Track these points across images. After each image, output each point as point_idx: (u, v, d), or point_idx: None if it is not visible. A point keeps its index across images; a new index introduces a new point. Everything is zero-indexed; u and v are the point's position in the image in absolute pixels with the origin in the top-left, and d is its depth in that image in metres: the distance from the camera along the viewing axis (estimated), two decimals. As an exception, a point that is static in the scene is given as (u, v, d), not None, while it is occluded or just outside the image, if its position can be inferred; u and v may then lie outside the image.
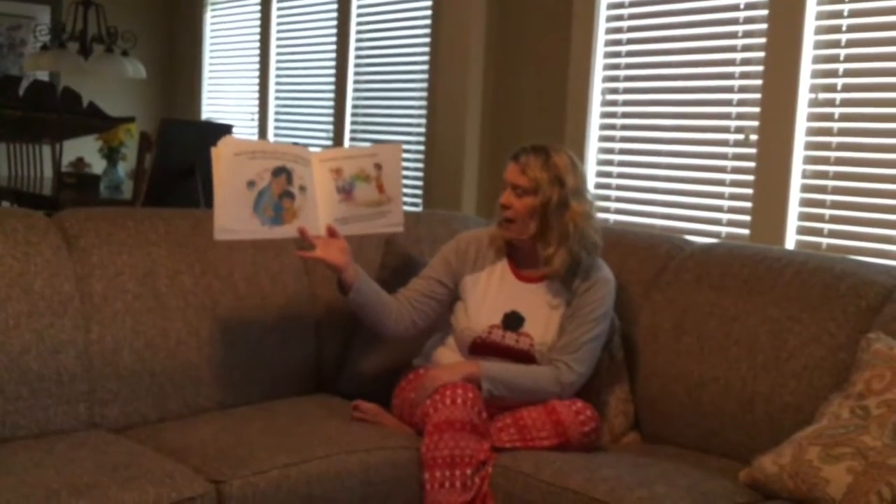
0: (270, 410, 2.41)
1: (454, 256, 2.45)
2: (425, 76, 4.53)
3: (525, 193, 2.32)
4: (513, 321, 2.36)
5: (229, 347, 2.46)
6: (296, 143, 5.15)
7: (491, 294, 2.39)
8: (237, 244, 2.45)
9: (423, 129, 4.55)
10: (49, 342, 2.20)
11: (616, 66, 3.68)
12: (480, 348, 2.37)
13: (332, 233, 2.30)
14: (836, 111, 2.98)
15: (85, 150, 5.35)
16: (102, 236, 2.38)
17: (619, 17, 3.66)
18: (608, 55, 3.69)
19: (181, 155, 3.96)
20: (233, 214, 2.19)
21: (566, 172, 2.33)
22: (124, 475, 1.93)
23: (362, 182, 2.33)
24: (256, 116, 5.86)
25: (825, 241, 2.99)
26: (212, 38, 6.47)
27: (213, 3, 6.42)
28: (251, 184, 2.19)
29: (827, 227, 2.99)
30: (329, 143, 5.22)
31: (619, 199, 3.66)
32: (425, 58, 4.53)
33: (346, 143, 5.09)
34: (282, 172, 2.23)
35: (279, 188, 2.23)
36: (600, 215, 3.63)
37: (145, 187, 3.88)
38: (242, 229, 2.21)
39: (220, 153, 2.19)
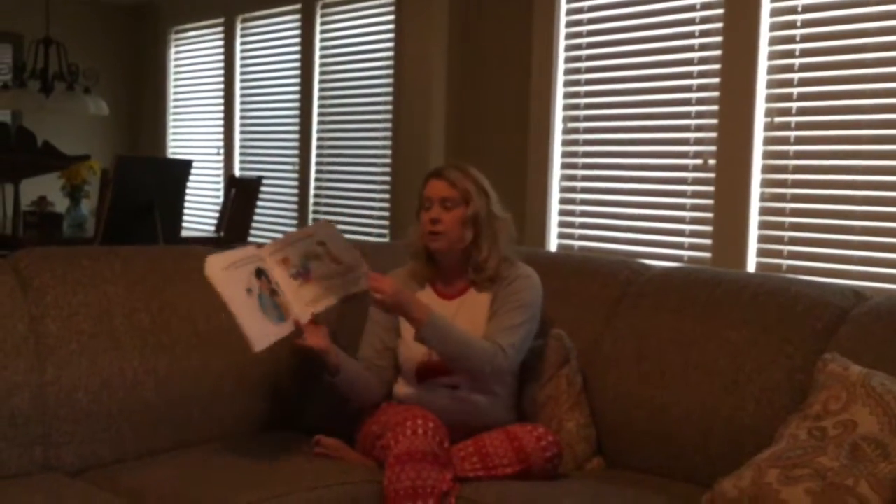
0: (230, 448, 2.37)
1: None
2: (389, 105, 4.55)
3: (455, 205, 2.39)
4: None
5: (188, 386, 2.42)
6: (261, 177, 5.15)
7: None
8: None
9: (388, 160, 4.57)
10: (3, 384, 2.16)
11: (576, 95, 3.71)
12: (425, 373, 2.39)
13: (312, 320, 2.30)
14: (792, 134, 3.03)
15: (48, 188, 5.30)
16: (57, 276, 2.35)
17: (578, 47, 3.70)
18: (568, 84, 3.73)
19: (139, 192, 3.94)
20: (255, 323, 2.19)
21: (486, 184, 2.44)
22: (78, 520, 1.89)
23: (314, 260, 2.32)
24: (222, 151, 5.85)
25: (785, 262, 3.01)
26: (175, 74, 6.46)
27: (177, 40, 6.42)
28: (249, 291, 2.22)
29: (786, 248, 3.02)
30: (295, 175, 5.21)
31: (582, 226, 3.68)
32: (389, 88, 4.56)
33: (312, 174, 5.09)
34: (261, 274, 2.25)
35: (266, 288, 2.25)
36: (565, 242, 3.69)
37: (103, 225, 3.84)
38: (269, 333, 2.21)
39: (212, 274, 2.20)
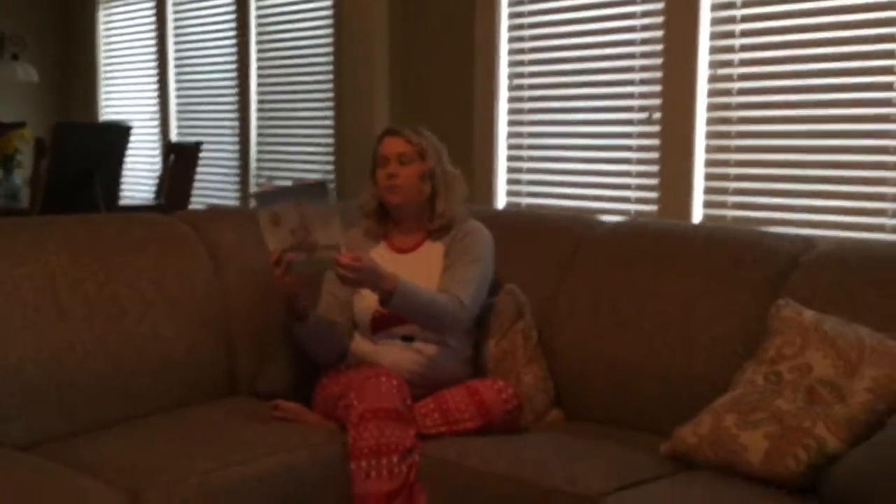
0: (186, 417, 2.34)
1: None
2: (331, 66, 4.48)
3: (411, 160, 2.45)
4: None
5: (139, 355, 2.38)
6: (200, 143, 5.04)
7: None
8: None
9: (331, 122, 4.50)
10: (-54, 361, 2.10)
11: (520, 51, 3.69)
12: (380, 322, 2.41)
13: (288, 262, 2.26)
14: (735, 86, 3.05)
15: (-23, 159, 5.12)
16: (-3, 249, 2.27)
17: (521, 2, 3.67)
18: (513, 39, 3.70)
19: (78, 160, 3.82)
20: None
21: (437, 143, 2.53)
22: (34, 495, 1.85)
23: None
24: (158, 116, 5.71)
25: (730, 213, 3.05)
26: (105, 38, 6.26)
27: (105, 3, 6.22)
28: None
29: (731, 199, 3.06)
30: (235, 139, 5.12)
31: (530, 183, 3.68)
32: (330, 49, 4.48)
33: (254, 138, 5.00)
34: None
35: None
36: (513, 199, 3.69)
37: (41, 195, 3.72)
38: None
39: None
